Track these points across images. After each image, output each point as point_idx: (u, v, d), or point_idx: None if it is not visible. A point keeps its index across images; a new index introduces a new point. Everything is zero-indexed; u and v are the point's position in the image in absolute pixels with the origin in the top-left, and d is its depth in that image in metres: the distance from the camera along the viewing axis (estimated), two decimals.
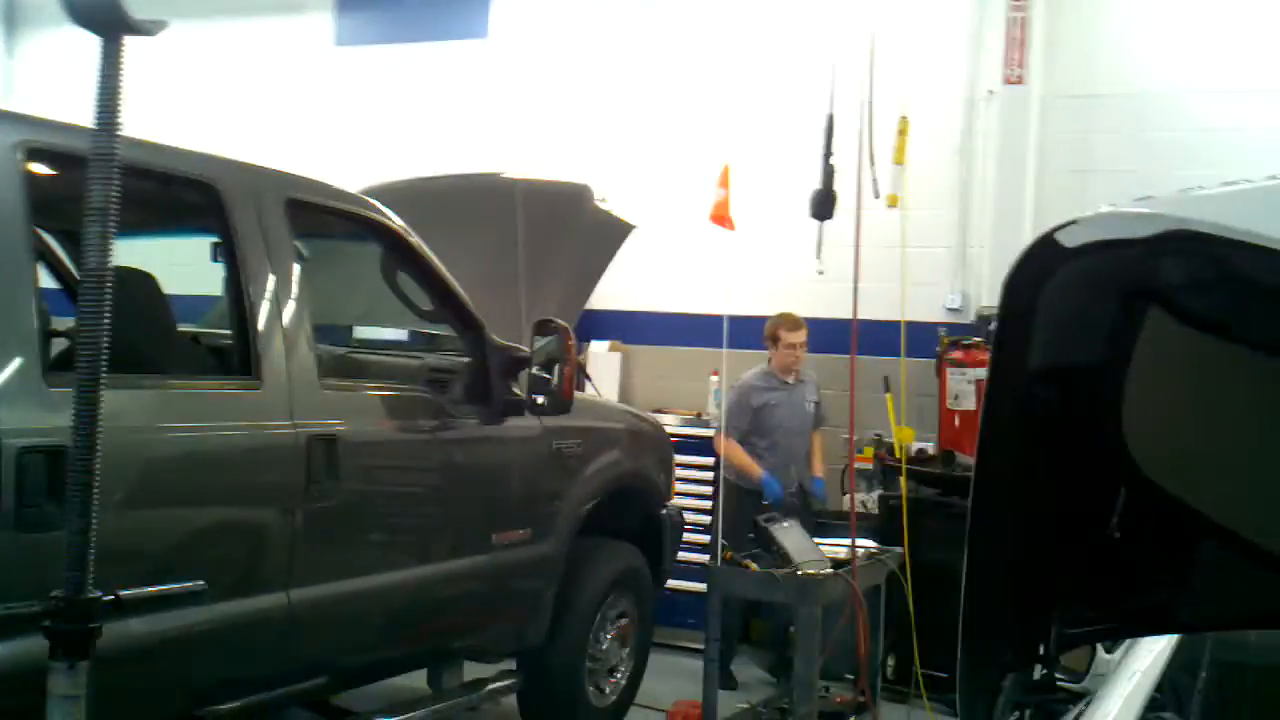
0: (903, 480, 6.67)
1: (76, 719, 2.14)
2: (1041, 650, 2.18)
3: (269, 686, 3.91)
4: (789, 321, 7.06)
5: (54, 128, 3.40)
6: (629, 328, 8.71)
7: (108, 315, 2.15)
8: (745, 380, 7.08)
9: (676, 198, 8.17)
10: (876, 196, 6.32)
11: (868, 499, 7.36)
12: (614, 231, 6.39)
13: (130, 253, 3.76)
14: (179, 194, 4.19)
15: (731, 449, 6.86)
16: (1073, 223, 1.59)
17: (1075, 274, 1.64)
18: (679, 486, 6.68)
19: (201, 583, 2.78)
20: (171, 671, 3.55)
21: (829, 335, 7.21)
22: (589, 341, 8.46)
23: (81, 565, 2.15)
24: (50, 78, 10.01)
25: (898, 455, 7.07)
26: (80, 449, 2.15)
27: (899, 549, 6.12)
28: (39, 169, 3.42)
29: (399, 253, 4.71)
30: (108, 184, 2.12)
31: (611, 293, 7.92)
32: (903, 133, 6.52)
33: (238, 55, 10.05)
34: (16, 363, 3.13)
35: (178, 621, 3.40)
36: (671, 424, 7.31)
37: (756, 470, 6.86)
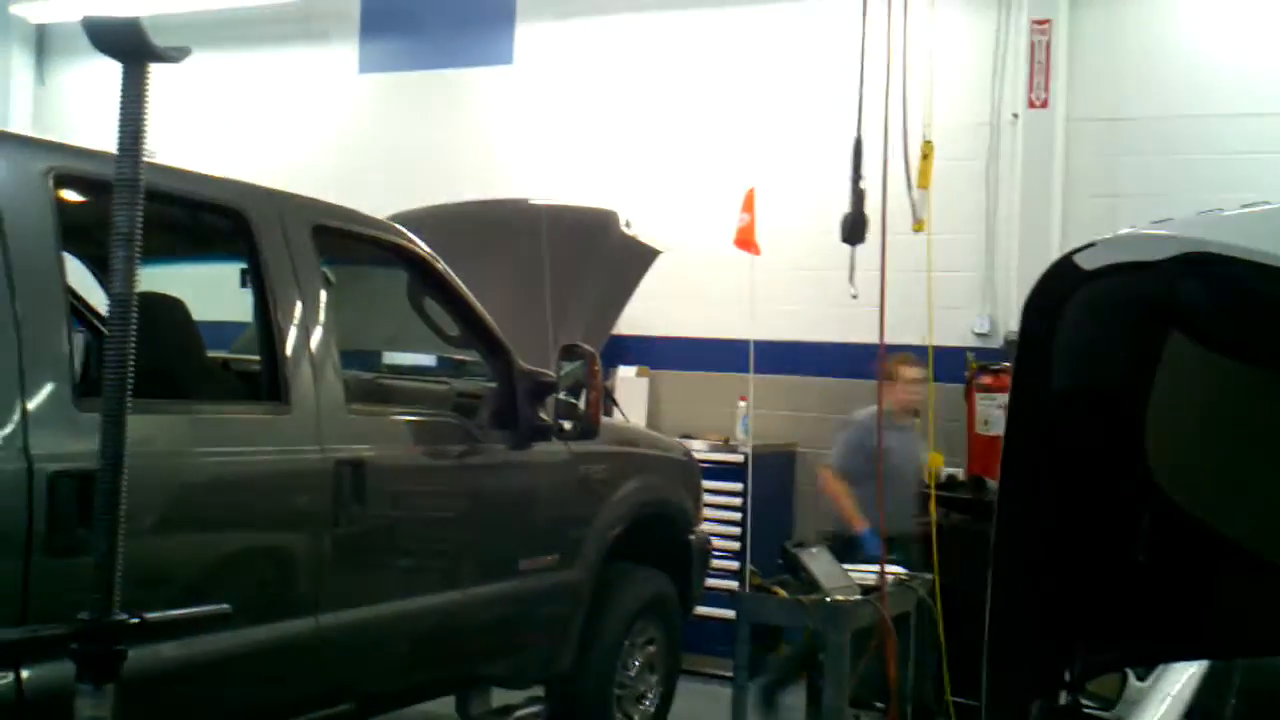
0: (932, 506, 6.63)
1: None
2: (1067, 676, 2.16)
3: (295, 712, 3.91)
4: (907, 358, 6.71)
5: (83, 154, 3.45)
6: (656, 353, 8.70)
7: (134, 340, 2.17)
8: (860, 420, 6.68)
9: (703, 222, 8.16)
10: (915, 220, 6.29)
11: None
12: (640, 257, 6.39)
13: (163, 279, 3.83)
14: (208, 221, 4.25)
15: (839, 492, 6.58)
16: (1091, 245, 1.59)
17: (1095, 296, 1.64)
18: (707, 512, 6.65)
19: (227, 606, 2.79)
20: (199, 695, 3.55)
21: (857, 360, 7.19)
22: (616, 367, 8.45)
23: (108, 588, 2.17)
24: (81, 106, 10.16)
25: (927, 481, 7.01)
26: (106, 472, 2.17)
27: (928, 575, 6.08)
28: (68, 195, 3.46)
29: (426, 279, 4.73)
30: (133, 210, 2.15)
31: (638, 318, 7.91)
32: (926, 157, 6.49)
33: (262, 83, 10.14)
34: (48, 388, 3.15)
35: (205, 645, 3.41)
36: (699, 449, 7.30)
37: (860, 522, 6.44)
